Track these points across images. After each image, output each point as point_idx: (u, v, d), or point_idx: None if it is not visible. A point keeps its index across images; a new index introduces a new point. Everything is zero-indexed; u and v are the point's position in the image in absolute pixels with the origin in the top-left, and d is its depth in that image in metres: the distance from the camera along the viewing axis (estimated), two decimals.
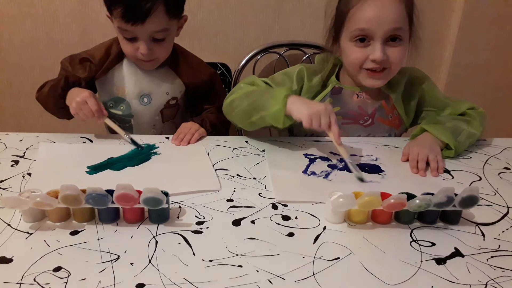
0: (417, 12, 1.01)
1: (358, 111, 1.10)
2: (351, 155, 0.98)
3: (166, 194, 0.69)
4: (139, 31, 1.02)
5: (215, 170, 0.90)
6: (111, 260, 0.62)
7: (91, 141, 1.01)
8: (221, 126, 1.18)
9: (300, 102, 0.91)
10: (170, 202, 0.75)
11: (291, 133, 1.18)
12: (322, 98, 1.09)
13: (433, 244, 0.69)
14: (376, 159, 0.98)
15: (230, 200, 0.79)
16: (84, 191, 0.68)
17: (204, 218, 0.73)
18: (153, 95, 1.17)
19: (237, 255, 0.65)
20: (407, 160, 0.97)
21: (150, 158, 0.93)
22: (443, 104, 1.11)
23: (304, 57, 1.52)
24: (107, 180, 0.83)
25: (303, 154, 0.98)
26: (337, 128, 0.89)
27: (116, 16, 1.01)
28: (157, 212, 0.70)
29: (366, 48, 0.99)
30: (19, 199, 0.67)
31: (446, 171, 0.94)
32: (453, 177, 0.92)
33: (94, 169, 0.87)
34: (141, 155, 0.94)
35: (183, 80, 1.18)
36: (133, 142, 0.99)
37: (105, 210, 0.70)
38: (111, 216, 0.71)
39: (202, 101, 1.24)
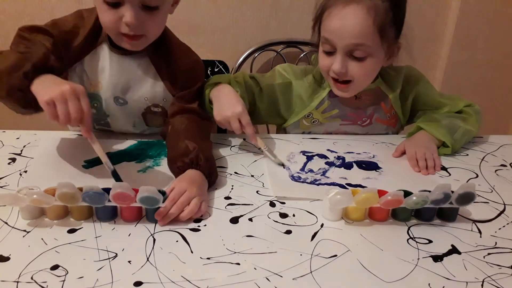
0: (399, 21, 0.96)
1: (356, 113, 1.10)
2: (348, 152, 0.99)
3: (163, 193, 0.69)
4: None
5: None
6: (108, 258, 0.62)
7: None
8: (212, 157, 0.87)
9: (219, 98, 0.95)
10: None
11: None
12: (320, 101, 1.07)
13: (430, 241, 0.69)
14: (374, 156, 0.98)
15: (227, 198, 0.79)
16: (81, 189, 0.68)
17: (201, 216, 0.73)
18: (128, 99, 0.96)
19: (235, 252, 0.65)
20: (399, 156, 0.98)
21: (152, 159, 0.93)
22: (439, 104, 1.10)
23: (302, 55, 1.52)
24: (106, 177, 0.83)
25: (301, 152, 0.98)
26: (251, 129, 0.91)
27: None
28: (154, 211, 0.70)
29: (331, 56, 0.96)
30: (16, 196, 0.67)
31: (443, 168, 0.94)
32: (450, 174, 0.92)
33: (90, 164, 0.87)
34: (139, 150, 0.94)
35: (167, 86, 0.97)
36: (114, 175, 0.77)
37: (103, 208, 0.69)
38: (109, 214, 0.71)
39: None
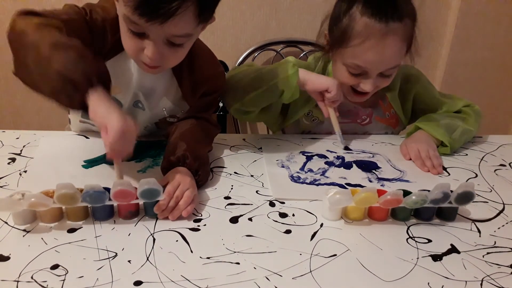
0: (415, 37, 0.98)
1: (355, 110, 1.10)
2: (347, 152, 0.99)
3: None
4: (153, 30, 0.74)
5: (212, 168, 0.90)
6: (108, 258, 0.62)
7: (87, 138, 1.01)
8: (206, 158, 0.89)
9: (313, 73, 0.96)
10: None
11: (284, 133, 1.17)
12: None
13: (430, 240, 0.70)
14: (373, 156, 0.98)
15: (227, 198, 0.79)
16: (81, 190, 0.67)
17: (201, 216, 0.73)
18: (147, 106, 0.95)
19: (235, 252, 0.65)
20: (409, 158, 0.97)
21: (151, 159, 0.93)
22: (439, 102, 1.11)
23: (301, 55, 1.52)
24: (106, 176, 0.83)
25: (300, 152, 0.98)
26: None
27: (127, 3, 0.70)
28: (152, 205, 0.70)
29: (358, 77, 0.96)
30: (12, 201, 0.65)
31: (443, 168, 0.94)
32: (449, 174, 0.92)
33: (90, 163, 0.87)
34: (139, 150, 0.94)
35: (186, 97, 0.95)
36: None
37: (100, 208, 0.69)
38: (106, 214, 0.71)
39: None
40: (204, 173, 0.82)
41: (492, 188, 0.87)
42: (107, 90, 0.70)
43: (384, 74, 0.96)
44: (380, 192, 0.71)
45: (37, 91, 0.72)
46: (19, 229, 0.68)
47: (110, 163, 0.87)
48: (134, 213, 0.72)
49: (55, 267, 0.60)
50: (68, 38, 0.70)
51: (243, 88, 0.96)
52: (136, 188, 0.68)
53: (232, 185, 0.84)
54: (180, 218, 0.72)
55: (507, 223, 0.76)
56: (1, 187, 0.79)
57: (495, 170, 0.94)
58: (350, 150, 1.00)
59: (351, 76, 0.97)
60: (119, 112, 0.67)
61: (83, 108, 0.68)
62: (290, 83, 0.92)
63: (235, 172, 0.88)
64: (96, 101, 0.67)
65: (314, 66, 1.09)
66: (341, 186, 0.85)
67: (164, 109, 0.96)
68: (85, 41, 0.77)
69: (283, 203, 0.78)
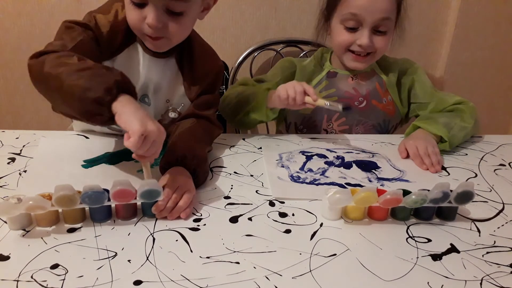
0: (405, 4, 1.07)
1: (352, 92, 1.14)
2: (347, 152, 0.99)
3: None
4: None
5: (212, 167, 0.90)
6: (108, 257, 0.62)
7: (87, 137, 1.01)
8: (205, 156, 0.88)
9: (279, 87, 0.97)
10: None
11: (287, 131, 1.18)
12: (318, 81, 1.14)
13: (429, 240, 0.70)
14: (373, 156, 0.98)
15: (227, 197, 0.79)
16: (79, 192, 0.66)
17: (201, 215, 0.73)
18: (153, 100, 0.95)
19: (234, 251, 0.65)
20: (407, 157, 0.97)
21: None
22: (432, 95, 1.15)
23: (301, 54, 1.52)
24: (105, 176, 0.83)
25: (300, 152, 0.98)
26: (311, 89, 0.94)
27: None
28: (150, 206, 0.70)
29: (354, 33, 1.05)
30: (8, 205, 0.64)
31: (442, 167, 0.94)
32: (449, 174, 0.92)
33: (90, 163, 0.87)
34: None
35: (187, 89, 0.96)
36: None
37: (98, 209, 0.69)
38: (104, 215, 0.70)
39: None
40: (202, 173, 0.82)
41: (492, 187, 0.87)
42: (133, 95, 0.72)
43: (377, 29, 1.03)
44: (380, 192, 0.71)
45: (77, 119, 0.76)
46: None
47: (110, 163, 0.87)
48: (132, 214, 0.72)
49: (55, 266, 0.60)
50: (80, 62, 0.73)
51: (229, 115, 1.09)
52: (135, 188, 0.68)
53: (232, 185, 0.83)
54: (178, 218, 0.72)
55: (506, 222, 0.76)
56: (1, 187, 0.79)
57: (495, 170, 0.94)
58: (350, 109, 0.98)
59: (348, 32, 1.06)
60: (142, 117, 0.67)
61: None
62: (259, 109, 1.00)
63: (235, 172, 0.88)
64: (120, 109, 0.68)
65: (313, 65, 1.16)
66: (341, 185, 0.85)
67: (167, 100, 0.96)
68: (95, 54, 0.83)
69: (283, 202, 0.78)
